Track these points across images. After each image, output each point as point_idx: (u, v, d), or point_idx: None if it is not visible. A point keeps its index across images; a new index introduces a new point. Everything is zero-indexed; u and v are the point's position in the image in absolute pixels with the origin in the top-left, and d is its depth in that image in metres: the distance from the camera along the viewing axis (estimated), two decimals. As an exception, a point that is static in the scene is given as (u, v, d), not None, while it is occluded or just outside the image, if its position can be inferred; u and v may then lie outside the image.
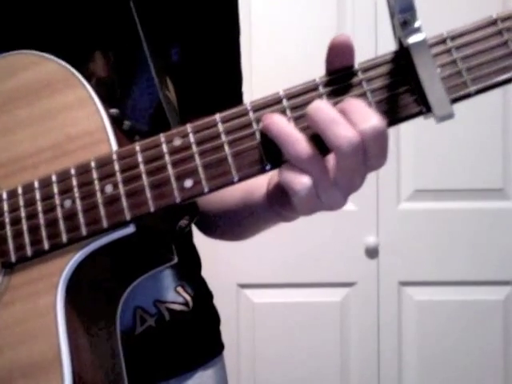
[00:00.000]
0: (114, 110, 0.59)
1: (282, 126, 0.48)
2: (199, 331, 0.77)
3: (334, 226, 1.81)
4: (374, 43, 1.77)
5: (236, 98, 0.80)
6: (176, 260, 0.60)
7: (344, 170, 0.48)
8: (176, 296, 0.73)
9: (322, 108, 0.47)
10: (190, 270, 0.77)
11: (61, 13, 0.67)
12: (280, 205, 0.57)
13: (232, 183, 0.51)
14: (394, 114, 0.48)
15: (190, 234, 0.80)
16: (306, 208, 0.51)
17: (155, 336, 0.71)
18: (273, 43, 1.79)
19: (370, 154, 0.47)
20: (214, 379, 0.78)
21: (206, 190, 0.50)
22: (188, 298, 0.74)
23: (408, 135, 1.77)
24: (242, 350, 1.83)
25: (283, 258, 1.82)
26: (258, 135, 0.50)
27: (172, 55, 0.74)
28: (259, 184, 0.61)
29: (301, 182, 0.48)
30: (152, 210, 0.51)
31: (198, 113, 0.62)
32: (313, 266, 1.82)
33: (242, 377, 1.83)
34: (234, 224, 0.74)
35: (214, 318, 0.83)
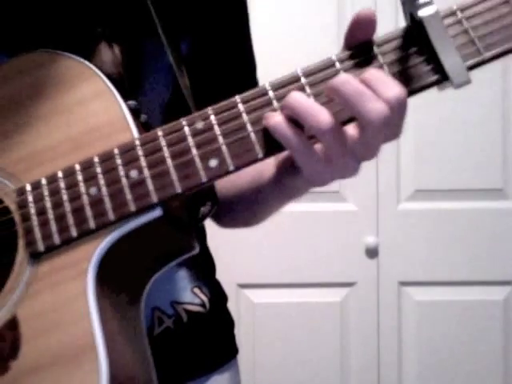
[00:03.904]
0: (131, 102, 0.58)
1: (301, 99, 0.49)
2: (216, 334, 0.77)
3: (334, 226, 1.81)
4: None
5: (251, 85, 0.80)
6: (198, 249, 0.59)
7: (366, 141, 0.49)
8: (193, 297, 0.72)
9: (348, 81, 0.47)
10: (205, 272, 0.76)
11: (69, 4, 0.66)
12: (290, 174, 0.57)
13: (257, 160, 0.51)
14: (412, 85, 0.49)
15: (203, 236, 0.79)
16: (317, 178, 0.52)
17: (173, 338, 0.70)
18: (273, 42, 1.79)
19: (391, 123, 0.48)
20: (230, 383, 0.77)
21: (231, 168, 0.51)
22: (205, 299, 0.74)
23: (408, 135, 1.77)
24: (242, 349, 1.79)
25: (283, 258, 1.81)
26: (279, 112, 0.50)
27: (182, 48, 0.73)
28: (268, 162, 0.61)
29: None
30: (179, 190, 0.51)
31: (213, 103, 0.62)
32: (313, 266, 1.81)
33: (242, 377, 1.81)
34: (245, 207, 0.74)
35: (229, 321, 0.82)
